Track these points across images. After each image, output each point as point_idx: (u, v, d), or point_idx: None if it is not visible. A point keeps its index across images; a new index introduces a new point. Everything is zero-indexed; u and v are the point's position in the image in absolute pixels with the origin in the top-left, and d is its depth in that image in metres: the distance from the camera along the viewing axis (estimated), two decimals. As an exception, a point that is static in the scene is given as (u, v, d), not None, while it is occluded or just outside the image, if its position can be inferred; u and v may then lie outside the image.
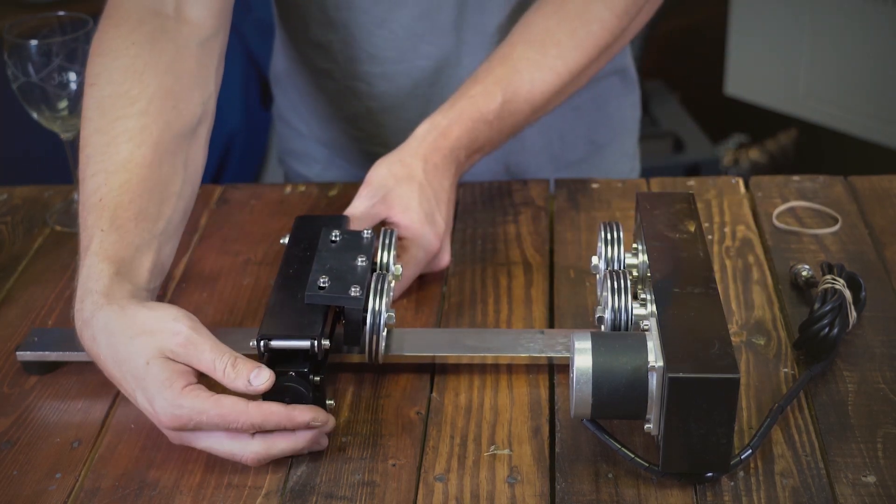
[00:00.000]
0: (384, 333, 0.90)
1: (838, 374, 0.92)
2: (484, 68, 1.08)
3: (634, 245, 0.94)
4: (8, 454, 0.87)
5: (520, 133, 1.11)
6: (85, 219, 0.90)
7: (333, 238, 0.93)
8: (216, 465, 0.85)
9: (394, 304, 1.00)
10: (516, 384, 0.92)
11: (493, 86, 1.06)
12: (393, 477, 0.83)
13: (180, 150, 0.95)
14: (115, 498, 0.83)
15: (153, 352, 0.82)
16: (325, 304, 0.88)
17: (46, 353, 0.95)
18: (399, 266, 0.94)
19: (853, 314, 0.94)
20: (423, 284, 1.05)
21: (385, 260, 0.94)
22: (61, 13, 1.12)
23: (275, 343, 0.84)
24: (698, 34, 2.89)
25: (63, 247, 1.13)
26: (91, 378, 0.94)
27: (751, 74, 2.70)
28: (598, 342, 0.80)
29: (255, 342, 0.84)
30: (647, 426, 0.81)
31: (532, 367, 0.94)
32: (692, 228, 0.92)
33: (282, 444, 0.82)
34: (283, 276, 0.91)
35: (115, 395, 0.92)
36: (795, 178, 1.20)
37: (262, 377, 0.82)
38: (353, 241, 0.93)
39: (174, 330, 0.82)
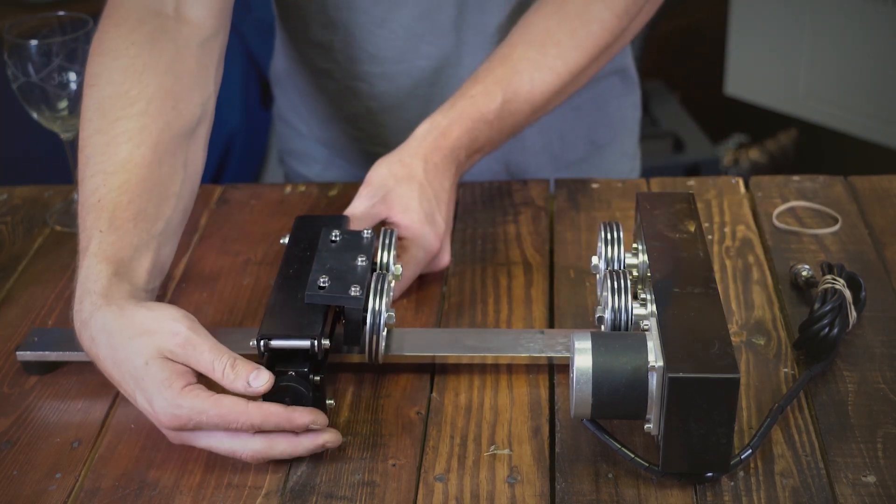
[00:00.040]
0: (384, 333, 0.90)
1: (838, 374, 0.92)
2: (484, 68, 1.08)
3: (634, 245, 0.94)
4: (8, 454, 0.87)
5: (520, 133, 1.11)
6: (84, 219, 0.90)
7: (333, 238, 0.93)
8: (216, 465, 0.85)
9: (394, 304, 1.00)
10: (516, 384, 0.92)
11: (493, 86, 1.06)
12: (393, 477, 0.83)
13: (180, 150, 0.95)
14: (115, 498, 0.83)
15: (152, 352, 0.82)
16: (325, 304, 0.88)
17: (46, 353, 0.95)
18: (399, 266, 0.94)
19: (853, 314, 0.94)
20: (423, 284, 1.05)
21: (385, 260, 0.94)
22: (61, 13, 1.12)
23: (275, 343, 0.84)
24: (698, 34, 2.89)
25: (63, 247, 1.13)
26: (91, 378, 0.94)
27: (751, 74, 2.70)
28: (598, 342, 0.80)
29: (255, 342, 0.84)
30: (647, 426, 0.81)
31: (532, 367, 0.94)
32: (692, 228, 0.92)
33: (282, 445, 0.82)
34: (283, 275, 0.91)
35: (115, 395, 0.92)
36: (795, 178, 1.20)
37: (262, 379, 0.81)
38: (353, 241, 0.93)
39: (173, 330, 0.82)
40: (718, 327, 0.81)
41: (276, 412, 0.81)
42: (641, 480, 0.82)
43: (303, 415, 0.81)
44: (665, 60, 2.88)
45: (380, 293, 0.89)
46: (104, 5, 1.02)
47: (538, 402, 0.90)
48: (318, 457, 0.85)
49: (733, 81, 2.74)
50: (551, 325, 1.00)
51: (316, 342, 0.84)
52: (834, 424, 0.86)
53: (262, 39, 2.17)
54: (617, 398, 0.79)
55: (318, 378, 0.85)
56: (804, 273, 1.02)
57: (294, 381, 0.83)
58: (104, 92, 0.95)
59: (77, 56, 1.10)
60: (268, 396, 0.82)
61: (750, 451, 0.82)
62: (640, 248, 0.92)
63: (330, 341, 0.87)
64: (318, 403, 0.85)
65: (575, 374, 0.79)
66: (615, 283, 0.87)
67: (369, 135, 1.29)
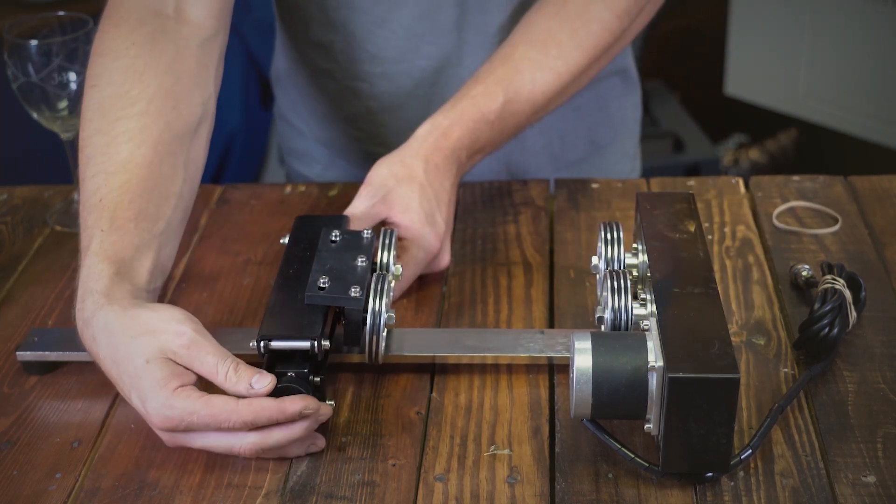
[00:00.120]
0: (384, 334, 0.90)
1: (838, 374, 0.92)
2: (485, 68, 1.08)
3: (634, 245, 0.94)
4: (8, 454, 0.87)
5: (521, 133, 1.11)
6: (85, 219, 0.90)
7: (333, 238, 0.93)
8: (216, 465, 0.85)
9: (394, 304, 1.00)
10: (516, 384, 0.92)
11: (494, 86, 1.06)
12: (393, 477, 0.83)
13: (181, 150, 0.95)
14: (115, 498, 0.83)
15: (154, 352, 0.82)
16: (325, 305, 0.88)
17: (46, 353, 0.95)
18: (399, 266, 0.94)
19: (853, 314, 0.94)
20: (423, 284, 1.05)
21: (385, 260, 0.94)
22: (61, 13, 1.12)
23: (275, 344, 0.84)
24: (698, 34, 2.89)
25: (63, 247, 1.13)
26: (91, 378, 0.94)
27: (751, 74, 2.70)
28: (598, 342, 0.80)
29: (255, 343, 0.84)
30: (647, 426, 0.81)
31: (532, 367, 0.94)
32: (692, 228, 0.92)
33: (277, 434, 0.82)
34: (283, 276, 0.91)
35: (115, 395, 0.92)
36: (795, 178, 1.20)
37: (264, 381, 0.82)
38: (353, 242, 0.93)
39: (178, 331, 0.82)
40: (718, 327, 0.81)
41: (267, 406, 0.80)
42: (641, 480, 0.82)
43: (294, 402, 0.81)
44: (665, 60, 2.88)
45: (380, 294, 0.89)
46: (104, 5, 1.02)
47: (538, 402, 0.90)
48: (318, 457, 0.85)
49: (733, 81, 2.74)
50: (551, 325, 1.00)
51: (316, 343, 0.84)
52: (834, 424, 0.86)
53: (262, 39, 2.17)
54: (617, 398, 0.79)
55: (318, 379, 0.85)
56: (804, 273, 1.02)
57: (294, 383, 0.83)
58: (105, 92, 0.95)
59: (77, 56, 1.10)
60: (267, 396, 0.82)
61: (750, 451, 0.82)
62: (640, 248, 0.92)
63: (330, 342, 0.87)
64: (318, 403, 0.85)
65: (575, 374, 0.79)
66: (615, 283, 0.87)
67: (370, 135, 1.29)
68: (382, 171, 1.02)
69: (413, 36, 1.20)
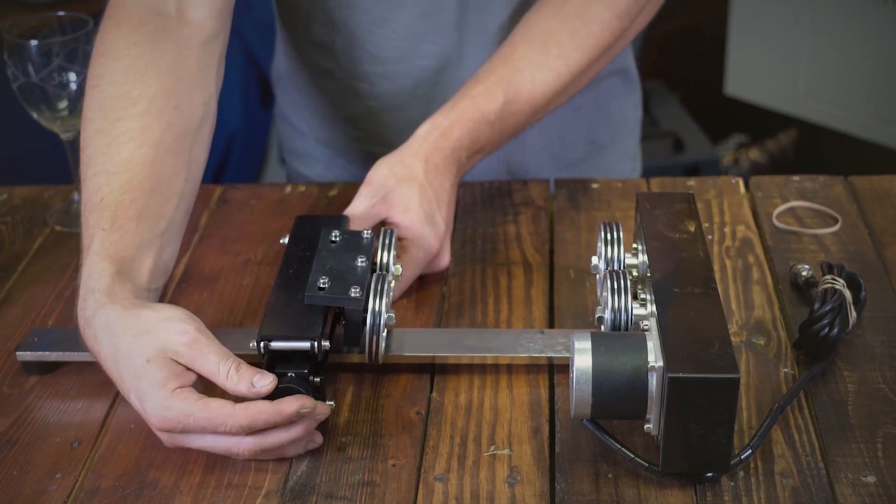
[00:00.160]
0: (384, 334, 0.90)
1: (838, 374, 0.92)
2: (485, 68, 1.08)
3: (634, 245, 0.94)
4: (8, 454, 0.87)
5: (521, 134, 1.11)
6: (87, 219, 0.90)
7: (333, 238, 0.93)
8: (216, 465, 0.85)
9: (394, 304, 1.00)
10: (516, 384, 0.92)
11: (494, 86, 1.06)
12: (393, 477, 0.83)
13: (182, 149, 0.95)
14: (115, 498, 0.83)
15: (155, 351, 0.82)
16: (324, 305, 0.88)
17: (46, 353, 0.95)
18: (399, 266, 0.94)
19: (853, 314, 0.94)
20: (423, 284, 1.05)
21: (385, 260, 0.94)
22: (61, 13, 1.12)
23: (275, 344, 0.84)
24: (698, 34, 2.89)
25: (63, 247, 1.13)
26: (91, 378, 0.94)
27: (751, 74, 2.70)
28: (598, 342, 0.80)
29: (255, 343, 0.84)
30: (647, 426, 0.81)
31: (532, 367, 0.94)
32: (692, 228, 0.92)
33: (276, 435, 0.82)
34: (283, 276, 0.91)
35: (115, 396, 0.92)
36: (795, 178, 1.20)
37: (266, 380, 0.82)
38: (353, 242, 0.93)
39: (181, 329, 0.82)
40: (718, 327, 0.81)
41: (263, 409, 0.80)
42: (641, 480, 0.82)
43: (290, 404, 0.80)
44: (665, 60, 2.88)
45: (380, 294, 0.89)
46: (104, 5, 1.02)
47: (538, 402, 0.90)
48: (318, 457, 0.85)
49: (733, 81, 2.74)
50: (551, 325, 1.00)
51: (316, 343, 0.84)
52: (834, 424, 0.86)
53: (262, 39, 2.17)
54: (617, 398, 0.79)
55: (317, 379, 0.85)
56: (804, 273, 1.02)
57: (294, 383, 0.83)
58: (106, 92, 0.95)
59: (77, 56, 1.10)
60: (267, 398, 0.82)
61: (750, 451, 0.82)
62: (640, 248, 0.92)
63: (330, 342, 0.87)
64: (318, 404, 0.85)
65: (575, 374, 0.79)
66: (615, 283, 0.87)
67: (370, 135, 1.29)
68: (382, 171, 1.02)
69: (414, 36, 1.20)
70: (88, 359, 0.93)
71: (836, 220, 1.12)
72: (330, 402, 0.86)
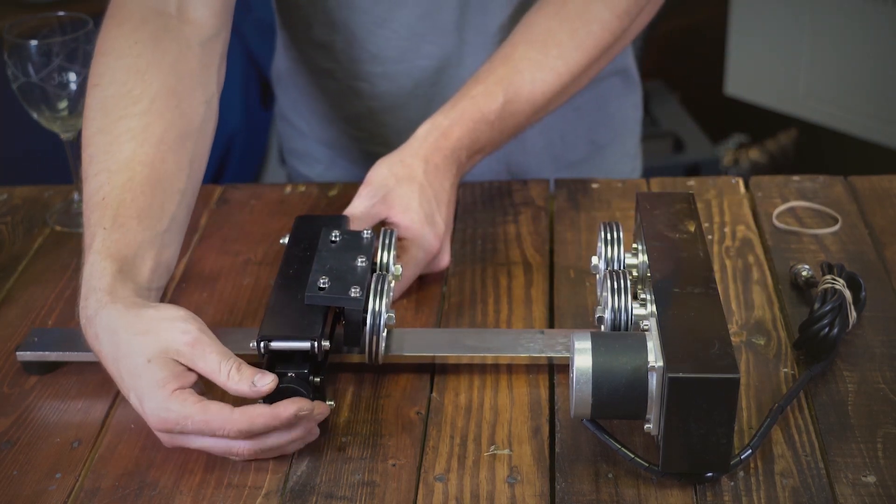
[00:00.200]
0: (384, 334, 0.90)
1: (838, 374, 0.92)
2: (485, 68, 1.08)
3: (634, 245, 0.94)
4: (8, 454, 0.87)
5: (521, 134, 1.11)
6: (88, 217, 0.90)
7: (333, 238, 0.93)
8: (216, 465, 0.85)
9: (394, 304, 1.00)
10: (516, 384, 0.92)
11: (494, 86, 1.06)
12: (393, 477, 0.83)
13: (184, 148, 0.95)
14: (115, 498, 0.83)
15: (156, 351, 0.82)
16: (325, 305, 0.88)
17: (46, 353, 0.95)
18: (399, 266, 0.94)
19: (853, 314, 0.94)
20: (423, 284, 1.05)
21: (385, 260, 0.94)
22: (61, 13, 1.12)
23: (275, 344, 0.84)
24: (698, 34, 2.89)
25: (63, 247, 1.13)
26: (91, 378, 0.94)
27: (751, 74, 2.70)
28: (598, 342, 0.80)
29: (255, 343, 0.84)
30: (647, 426, 0.81)
31: (532, 367, 0.94)
32: (692, 228, 0.92)
33: (275, 438, 0.82)
34: (283, 276, 0.91)
35: (115, 396, 0.92)
36: (795, 178, 1.20)
37: (266, 379, 0.82)
38: (353, 242, 0.93)
39: (183, 329, 0.82)
40: (718, 327, 0.81)
41: (260, 413, 0.80)
42: (641, 480, 0.82)
43: (287, 407, 0.80)
44: (665, 60, 2.88)
45: (380, 294, 0.89)
46: (104, 5, 1.02)
47: (538, 402, 0.90)
48: (318, 457, 0.85)
49: (733, 81, 2.74)
50: (551, 325, 1.00)
51: (316, 343, 0.84)
52: (834, 424, 0.86)
53: (262, 39, 2.17)
54: (617, 398, 0.79)
55: (317, 379, 0.85)
56: (804, 273, 1.02)
57: (294, 383, 0.83)
58: (107, 91, 0.95)
59: (77, 56, 1.10)
60: (267, 398, 0.82)
61: (750, 451, 0.82)
62: (640, 248, 0.92)
63: (330, 342, 0.87)
64: (318, 404, 0.85)
65: (575, 374, 0.79)
66: (615, 283, 0.87)
67: (371, 135, 1.29)
68: (382, 171, 1.02)
69: (414, 36, 1.20)
70: (88, 359, 0.93)
71: (836, 220, 1.12)
72: (330, 402, 0.86)
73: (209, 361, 0.82)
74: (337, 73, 1.25)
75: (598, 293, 0.93)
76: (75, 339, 0.95)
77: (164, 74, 0.96)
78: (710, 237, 1.10)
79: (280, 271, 0.92)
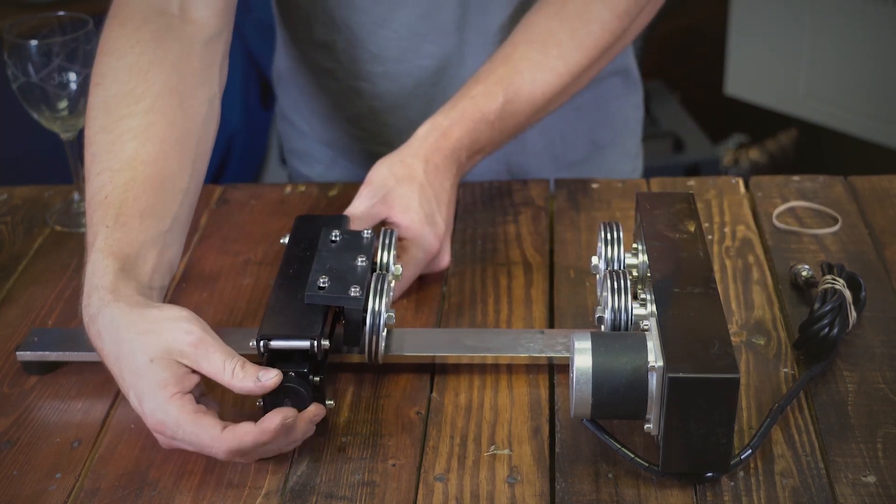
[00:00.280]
0: (384, 333, 0.90)
1: (838, 374, 0.92)
2: (485, 68, 1.08)
3: (634, 245, 0.94)
4: (8, 454, 0.87)
5: (521, 134, 1.11)
6: (91, 216, 0.90)
7: (333, 238, 0.93)
8: (216, 465, 0.85)
9: (394, 304, 1.00)
10: (516, 384, 0.92)
11: (494, 86, 1.06)
12: (393, 477, 0.83)
13: (186, 147, 0.95)
14: (115, 498, 0.83)
15: (159, 351, 0.81)
16: (324, 304, 0.88)
17: (46, 353, 0.95)
18: (399, 266, 0.94)
19: (853, 314, 0.94)
20: (423, 284, 1.05)
21: (385, 260, 0.94)
22: (61, 13, 1.12)
23: (274, 343, 0.84)
24: (698, 34, 2.89)
25: (63, 247, 1.13)
26: (91, 378, 0.94)
27: (751, 74, 2.70)
28: (598, 342, 0.80)
29: (255, 342, 0.84)
30: (647, 426, 0.81)
31: (532, 367, 0.94)
32: (692, 228, 0.92)
33: (274, 445, 0.82)
34: (283, 275, 0.91)
35: (115, 396, 0.92)
36: (795, 178, 1.20)
37: (270, 374, 0.81)
38: (353, 241, 0.93)
39: (187, 330, 0.82)
40: (718, 327, 0.81)
41: (247, 432, 0.80)
42: (641, 480, 0.82)
43: (272, 419, 0.80)
44: (665, 60, 2.88)
45: (379, 293, 0.89)
46: (104, 5, 1.02)
47: (538, 402, 0.90)
48: (317, 457, 0.85)
49: (733, 81, 2.74)
50: (551, 325, 1.00)
51: (315, 342, 0.84)
52: (834, 424, 0.86)
53: (262, 39, 2.17)
54: (617, 398, 0.79)
55: (317, 378, 0.85)
56: (804, 273, 1.02)
57: (294, 382, 0.83)
58: (110, 91, 0.95)
59: (77, 56, 1.10)
60: (267, 397, 0.82)
61: (750, 451, 0.82)
62: (640, 248, 0.92)
63: (330, 341, 0.87)
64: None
65: (575, 374, 0.79)
66: (615, 283, 0.87)
67: (372, 134, 1.29)
68: (382, 171, 1.02)
69: (414, 35, 1.20)
70: (88, 359, 0.93)
71: (836, 220, 1.12)
72: (329, 402, 0.86)
73: (213, 361, 0.82)
74: (338, 72, 1.25)
75: (598, 293, 0.93)
76: (75, 339, 0.95)
77: (166, 74, 0.96)
78: (710, 237, 1.10)
79: (280, 271, 0.92)
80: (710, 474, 0.81)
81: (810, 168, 1.87)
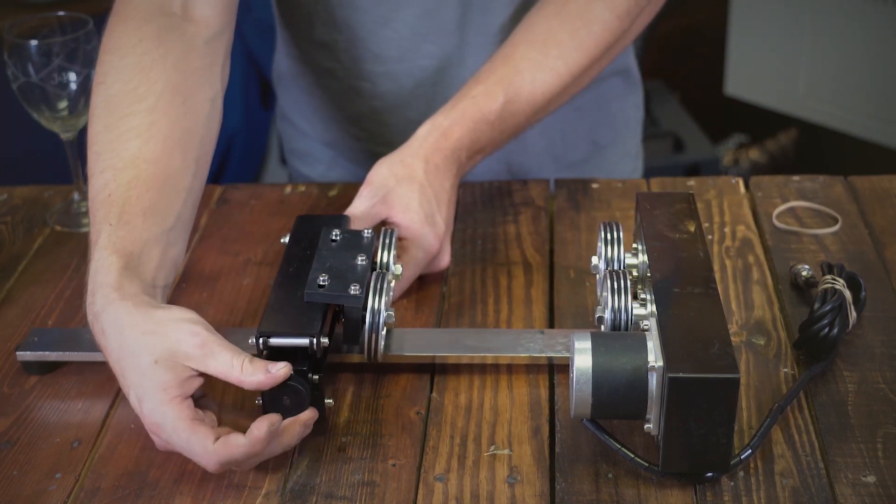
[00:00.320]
0: (383, 332, 0.90)
1: (838, 374, 0.92)
2: (486, 68, 1.08)
3: (634, 245, 0.94)
4: (8, 454, 0.87)
5: (522, 134, 1.11)
6: (94, 214, 0.90)
7: (334, 237, 0.93)
8: (216, 464, 0.85)
9: (394, 304, 1.00)
10: (516, 384, 0.92)
11: (494, 86, 1.06)
12: (393, 477, 0.83)
13: (189, 146, 0.95)
14: (115, 498, 0.83)
15: (163, 352, 0.81)
16: (324, 303, 0.88)
17: (46, 353, 0.95)
18: (399, 266, 0.94)
19: (853, 314, 0.94)
20: (423, 284, 1.05)
21: (385, 259, 0.94)
22: (61, 13, 1.12)
23: (273, 341, 0.84)
24: (698, 34, 2.89)
25: (63, 247, 1.13)
26: (91, 378, 0.94)
27: (751, 74, 2.70)
28: (598, 342, 0.80)
29: (254, 339, 0.84)
30: (647, 426, 0.81)
31: (532, 367, 0.94)
32: (692, 228, 0.92)
33: (269, 451, 0.82)
34: (283, 274, 0.91)
35: (115, 396, 0.92)
36: (795, 178, 1.20)
37: (279, 365, 0.81)
38: (354, 241, 0.93)
39: (192, 331, 0.82)
40: (718, 327, 0.81)
41: (239, 444, 0.80)
42: (641, 480, 0.82)
43: (259, 427, 0.80)
44: (665, 60, 2.88)
45: (379, 292, 0.89)
46: (104, 5, 1.02)
47: (538, 402, 0.90)
48: (317, 457, 0.85)
49: (733, 81, 2.74)
50: (551, 325, 1.00)
51: (315, 340, 0.84)
52: (834, 424, 0.86)
53: (262, 39, 2.17)
54: (617, 398, 0.79)
55: (316, 377, 0.84)
56: (804, 273, 1.02)
57: (293, 380, 0.83)
58: (112, 89, 0.95)
59: (77, 56, 1.10)
60: (267, 395, 0.83)
61: (750, 451, 0.82)
62: (640, 248, 0.93)
63: (329, 340, 0.87)
64: (317, 403, 0.85)
65: (575, 374, 0.79)
66: (615, 283, 0.87)
67: (372, 134, 1.29)
68: (383, 171, 1.02)
69: (415, 35, 1.20)
70: (88, 359, 0.93)
71: (836, 220, 1.12)
72: (329, 401, 0.86)
73: (221, 359, 0.81)
74: (338, 72, 1.25)
75: (598, 293, 0.93)
76: (75, 339, 0.95)
77: (168, 72, 0.96)
78: (710, 237, 1.10)
79: (280, 270, 0.92)
80: (710, 474, 0.81)
81: (810, 168, 1.87)
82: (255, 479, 0.83)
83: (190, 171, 0.94)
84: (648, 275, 0.88)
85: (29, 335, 0.97)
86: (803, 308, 1.00)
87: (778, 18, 2.59)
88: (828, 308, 0.92)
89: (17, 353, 0.95)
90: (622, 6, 1.08)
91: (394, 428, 0.88)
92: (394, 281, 0.93)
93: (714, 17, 2.78)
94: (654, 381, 0.79)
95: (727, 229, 1.12)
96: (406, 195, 1.01)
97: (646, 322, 0.84)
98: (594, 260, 0.95)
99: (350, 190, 1.16)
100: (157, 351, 0.81)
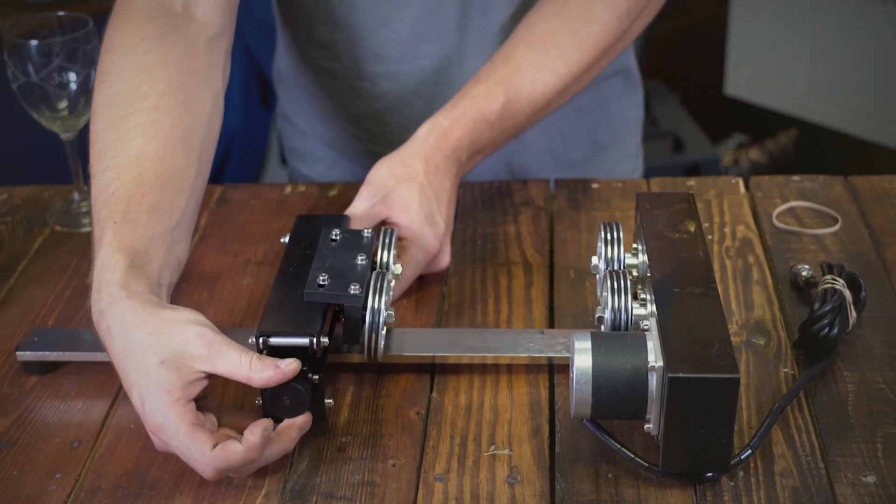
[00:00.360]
0: (383, 332, 0.90)
1: (838, 374, 0.92)
2: (486, 68, 1.08)
3: (634, 245, 0.94)
4: (8, 454, 0.87)
5: (522, 134, 1.11)
6: (98, 212, 0.90)
7: (334, 237, 0.93)
8: (216, 464, 0.85)
9: (394, 304, 1.00)
10: (516, 384, 0.92)
11: (494, 86, 1.06)
12: (393, 477, 0.83)
13: (192, 144, 0.95)
14: (115, 498, 0.83)
15: (170, 354, 0.81)
16: (324, 302, 0.88)
17: (46, 353, 0.95)
18: (399, 266, 0.94)
19: (853, 314, 0.94)
20: (423, 284, 1.05)
21: (385, 259, 0.94)
22: (61, 13, 1.12)
23: (273, 340, 0.84)
24: (698, 34, 2.89)
25: (63, 247, 1.13)
26: (91, 378, 0.94)
27: (751, 74, 2.70)
28: (598, 342, 0.80)
29: (254, 339, 0.84)
30: (647, 426, 0.81)
31: (532, 367, 0.94)
32: (692, 228, 0.92)
33: (266, 455, 0.82)
34: (283, 274, 0.91)
35: (115, 396, 0.92)
36: (795, 178, 1.20)
37: (289, 360, 0.81)
38: (354, 240, 0.93)
39: (198, 332, 0.82)
40: (718, 327, 0.81)
41: (236, 451, 0.80)
42: (641, 480, 0.82)
43: (254, 432, 0.80)
44: (665, 60, 2.88)
45: (379, 291, 0.89)
46: (104, 5, 1.02)
47: (538, 402, 0.90)
48: (317, 457, 0.85)
49: (733, 81, 2.74)
50: (551, 325, 1.00)
51: (315, 339, 0.84)
52: (834, 424, 0.86)
53: (262, 39, 2.17)
54: (617, 398, 0.79)
55: (316, 377, 0.84)
56: (804, 273, 1.02)
57: (293, 380, 0.83)
58: (114, 88, 0.95)
59: (77, 56, 1.10)
60: (267, 396, 0.82)
61: (750, 451, 0.82)
62: (640, 248, 0.93)
63: (329, 340, 0.87)
64: (317, 402, 0.85)
65: (575, 374, 0.79)
66: (615, 283, 0.87)
67: (373, 134, 1.29)
68: (383, 171, 1.02)
69: (415, 35, 1.20)
70: (88, 359, 0.93)
71: (836, 220, 1.12)
72: (329, 401, 0.86)
73: (228, 357, 0.81)
74: (339, 72, 1.25)
75: (598, 293, 0.93)
76: (75, 339, 0.95)
77: (171, 71, 0.96)
78: (710, 237, 1.10)
79: (280, 269, 0.92)
80: (710, 474, 0.81)
81: (810, 168, 1.87)
82: (255, 479, 0.83)
83: (192, 169, 0.94)
84: (648, 275, 0.88)
85: (29, 335, 0.97)
86: (803, 308, 1.00)
87: (778, 18, 2.59)
88: (828, 308, 0.92)
89: (17, 353, 0.95)
90: (622, 6, 1.08)
91: (394, 428, 0.88)
92: (394, 281, 0.93)
93: (714, 17, 2.78)
94: (654, 381, 0.79)
95: (727, 229, 1.12)
96: (406, 195, 1.01)
97: (646, 322, 0.84)
98: (594, 260, 0.95)
99: (350, 190, 1.16)
100: (164, 352, 0.81)
